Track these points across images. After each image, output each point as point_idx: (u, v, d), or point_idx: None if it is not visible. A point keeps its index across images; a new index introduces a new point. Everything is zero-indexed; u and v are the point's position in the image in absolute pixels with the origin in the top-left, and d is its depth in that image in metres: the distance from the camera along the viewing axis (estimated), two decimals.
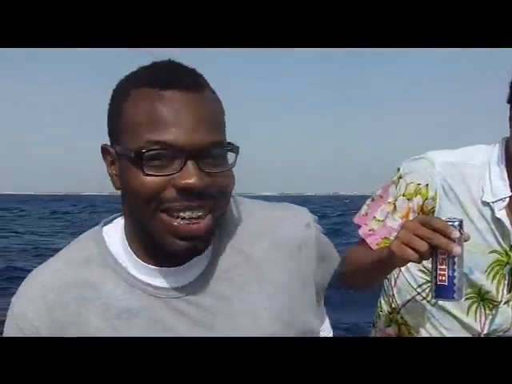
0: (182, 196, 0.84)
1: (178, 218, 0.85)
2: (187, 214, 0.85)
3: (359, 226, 1.57)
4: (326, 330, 1.16)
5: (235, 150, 0.88)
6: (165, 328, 0.91)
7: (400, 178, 1.53)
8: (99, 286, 0.93)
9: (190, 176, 0.82)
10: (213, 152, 0.85)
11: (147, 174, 0.83)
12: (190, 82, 0.86)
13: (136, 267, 0.93)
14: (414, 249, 1.10)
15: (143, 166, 0.83)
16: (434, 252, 1.10)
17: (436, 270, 1.10)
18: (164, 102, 0.84)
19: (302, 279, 0.99)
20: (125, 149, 0.86)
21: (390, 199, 1.53)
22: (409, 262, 1.15)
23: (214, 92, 0.91)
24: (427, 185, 1.48)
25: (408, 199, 1.50)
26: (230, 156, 0.89)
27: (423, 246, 1.09)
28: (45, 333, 0.91)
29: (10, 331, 0.94)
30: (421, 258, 1.11)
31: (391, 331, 1.67)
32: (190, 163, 0.83)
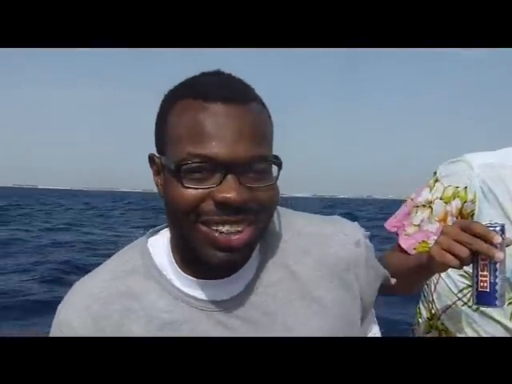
0: (220, 210, 0.83)
1: (216, 231, 0.84)
2: (226, 228, 0.84)
3: (394, 232, 1.55)
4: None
5: (278, 164, 0.86)
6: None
7: (436, 181, 1.51)
8: (143, 298, 0.93)
9: (229, 190, 0.81)
10: (254, 166, 0.83)
11: (186, 187, 0.83)
12: (234, 94, 0.85)
13: (180, 279, 0.93)
14: (454, 254, 1.09)
15: (183, 178, 0.83)
16: (474, 258, 1.08)
17: (477, 276, 1.08)
18: (206, 114, 0.83)
19: (348, 298, 0.98)
20: (168, 160, 0.85)
21: (425, 203, 1.51)
22: (449, 267, 1.13)
23: (262, 104, 0.89)
24: (466, 187, 1.45)
25: (446, 202, 1.48)
26: (274, 169, 0.87)
27: (464, 251, 1.07)
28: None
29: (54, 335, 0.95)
30: (461, 263, 1.09)
31: None
32: (229, 177, 0.82)
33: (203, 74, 0.91)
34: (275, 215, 0.97)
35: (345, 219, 1.04)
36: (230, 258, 0.85)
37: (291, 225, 0.99)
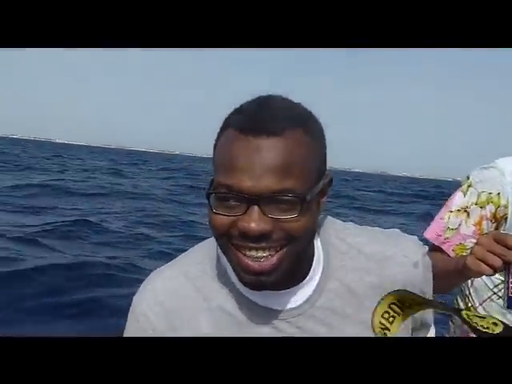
0: (243, 238, 0.88)
1: (244, 255, 0.90)
2: (252, 254, 0.89)
3: (434, 238, 1.67)
4: None
5: (299, 200, 0.87)
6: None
7: (469, 186, 1.62)
8: (211, 299, 1.00)
9: (251, 221, 0.86)
10: (279, 198, 0.86)
11: (216, 213, 0.89)
12: (268, 127, 0.87)
13: (242, 286, 0.97)
14: (488, 264, 1.19)
15: (213, 205, 0.90)
16: (506, 266, 1.17)
17: (508, 283, 1.17)
18: (239, 146, 0.87)
19: None
20: (208, 187, 0.92)
21: (460, 208, 1.63)
22: (483, 275, 1.24)
23: (308, 132, 0.91)
24: (499, 193, 1.57)
25: (481, 207, 1.60)
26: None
27: (497, 261, 1.17)
28: (162, 333, 1.00)
29: (131, 327, 1.04)
30: (494, 272, 1.20)
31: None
32: (252, 208, 0.86)
33: (251, 102, 0.94)
34: (336, 229, 1.03)
35: (405, 236, 1.08)
36: (257, 281, 0.91)
37: (353, 242, 1.03)
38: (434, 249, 1.65)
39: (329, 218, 1.06)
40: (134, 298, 1.05)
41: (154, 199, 16.16)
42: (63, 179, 19.56)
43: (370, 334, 0.97)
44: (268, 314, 0.99)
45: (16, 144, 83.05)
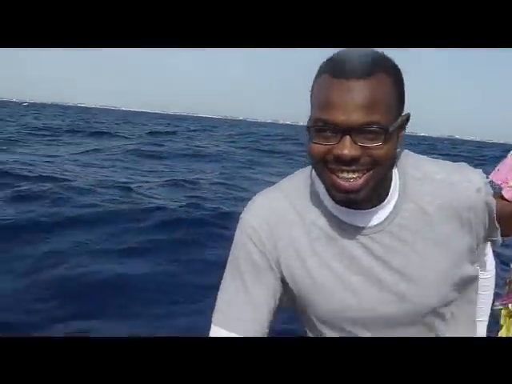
0: (338, 162, 1.06)
1: (337, 176, 1.08)
2: (343, 175, 1.07)
3: (498, 184, 1.77)
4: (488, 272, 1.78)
5: (383, 131, 1.04)
6: (351, 257, 1.17)
7: None
8: (305, 216, 1.20)
9: (344, 148, 1.04)
10: (366, 129, 1.03)
11: (315, 143, 1.07)
12: (356, 71, 1.03)
13: (333, 205, 1.16)
14: None
15: (312, 136, 1.07)
16: None
17: None
18: (332, 88, 1.04)
19: (466, 233, 1.19)
20: (308, 122, 1.09)
21: None
22: None
23: (390, 74, 1.06)
24: None
25: None
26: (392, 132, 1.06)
27: None
28: (266, 243, 1.19)
29: (239, 239, 1.22)
30: None
31: None
32: (345, 138, 1.04)
33: (342, 52, 1.08)
34: (412, 161, 1.20)
35: (471, 168, 1.23)
36: (348, 198, 1.08)
37: (425, 171, 1.20)
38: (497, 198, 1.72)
39: (406, 151, 1.22)
40: (242, 214, 1.25)
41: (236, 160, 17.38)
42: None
43: (436, 249, 1.15)
44: (354, 231, 1.17)
45: (85, 112, 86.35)
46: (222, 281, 1.24)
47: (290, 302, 1.25)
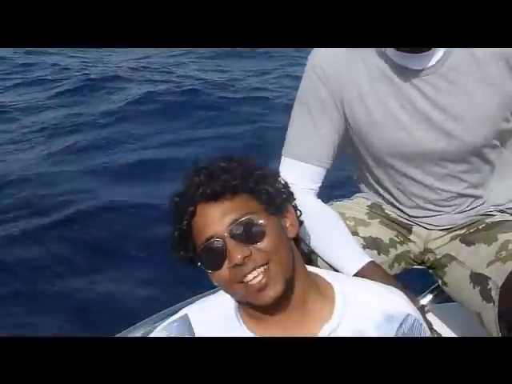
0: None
1: None
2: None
3: None
4: None
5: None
6: (405, 97, 1.30)
7: None
8: (368, 60, 1.31)
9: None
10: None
11: None
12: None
13: (393, 52, 1.27)
14: None
15: None
16: None
17: None
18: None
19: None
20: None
21: None
22: None
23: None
24: None
25: None
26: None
27: None
28: (333, 83, 1.32)
29: (307, 77, 1.35)
30: None
31: None
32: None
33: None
34: None
35: None
36: None
37: None
38: None
39: None
40: (310, 56, 1.36)
41: None
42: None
43: (484, 89, 1.28)
44: (409, 73, 1.28)
45: None
46: (290, 120, 1.38)
47: (348, 143, 1.40)
